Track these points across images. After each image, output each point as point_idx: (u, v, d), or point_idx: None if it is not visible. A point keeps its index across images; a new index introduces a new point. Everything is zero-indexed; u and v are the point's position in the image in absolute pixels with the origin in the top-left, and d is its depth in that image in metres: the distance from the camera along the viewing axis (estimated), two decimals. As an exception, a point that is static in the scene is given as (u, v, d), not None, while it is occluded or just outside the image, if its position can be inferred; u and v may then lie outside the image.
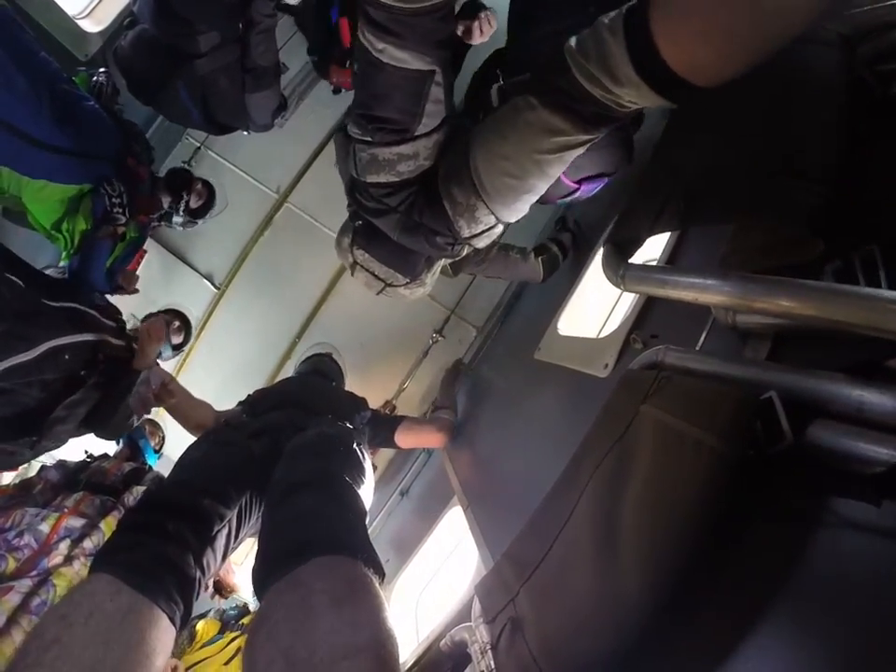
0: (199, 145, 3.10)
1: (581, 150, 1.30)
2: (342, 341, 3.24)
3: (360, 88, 1.43)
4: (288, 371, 3.24)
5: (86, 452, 2.49)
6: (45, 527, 1.73)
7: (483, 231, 1.65)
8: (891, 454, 0.59)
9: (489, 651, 1.06)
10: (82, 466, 2.29)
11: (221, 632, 2.49)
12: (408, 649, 1.84)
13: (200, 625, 2.52)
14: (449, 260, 2.03)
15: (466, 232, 1.63)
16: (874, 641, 0.56)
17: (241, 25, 2.07)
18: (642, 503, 0.83)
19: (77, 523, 1.81)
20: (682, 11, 0.95)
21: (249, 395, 2.28)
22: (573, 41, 1.14)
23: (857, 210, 0.88)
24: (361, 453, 1.58)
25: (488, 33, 1.90)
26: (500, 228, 1.71)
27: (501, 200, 1.48)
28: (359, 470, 1.45)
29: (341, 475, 1.31)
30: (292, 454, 1.45)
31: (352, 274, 2.08)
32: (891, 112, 0.95)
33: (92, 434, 2.02)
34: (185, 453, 1.53)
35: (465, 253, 1.85)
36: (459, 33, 1.87)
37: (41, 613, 1.50)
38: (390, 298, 2.02)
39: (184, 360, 3.27)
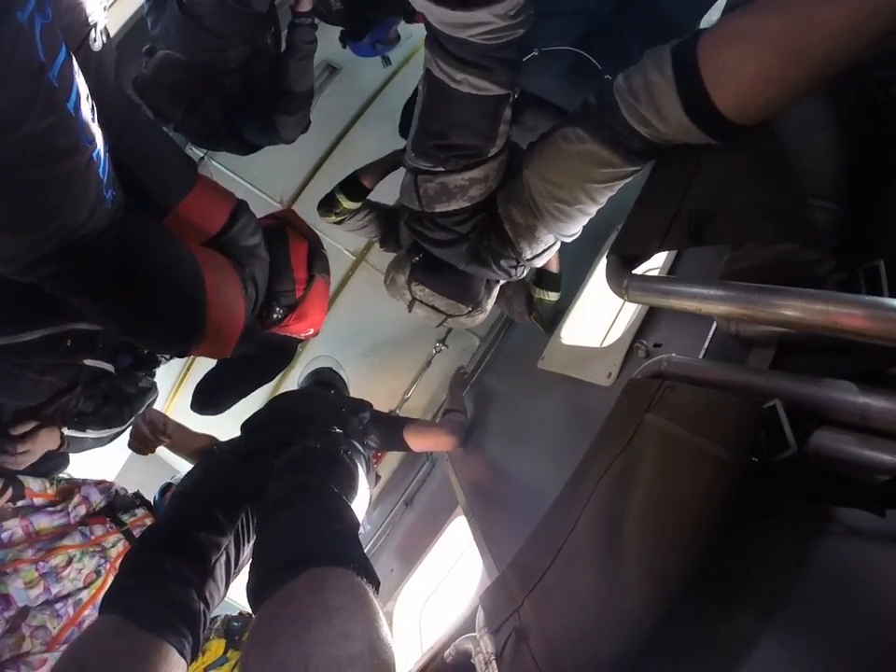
0: (203, 154, 3.09)
1: (629, 179, 1.35)
2: (344, 351, 3.23)
3: (433, 119, 1.47)
4: (292, 381, 3.22)
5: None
6: (84, 595, 1.72)
7: (543, 251, 1.70)
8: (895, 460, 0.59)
9: (493, 661, 1.05)
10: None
11: (226, 650, 2.48)
12: (412, 659, 1.83)
13: (207, 644, 2.50)
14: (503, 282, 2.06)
15: (528, 253, 1.68)
16: (878, 651, 0.56)
17: (269, 40, 2.07)
18: (646, 512, 0.83)
19: None
20: (735, 60, 0.96)
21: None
22: (621, 79, 1.16)
23: (861, 223, 0.88)
24: (351, 459, 1.57)
25: None
26: (558, 245, 1.75)
27: (555, 221, 1.52)
28: (349, 478, 1.45)
29: (327, 486, 1.31)
30: (277, 473, 1.44)
31: (409, 311, 2.11)
32: (893, 118, 0.95)
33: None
34: (179, 483, 1.55)
35: (524, 274, 1.90)
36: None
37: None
38: (449, 327, 2.06)
39: (185, 374, 3.27)
